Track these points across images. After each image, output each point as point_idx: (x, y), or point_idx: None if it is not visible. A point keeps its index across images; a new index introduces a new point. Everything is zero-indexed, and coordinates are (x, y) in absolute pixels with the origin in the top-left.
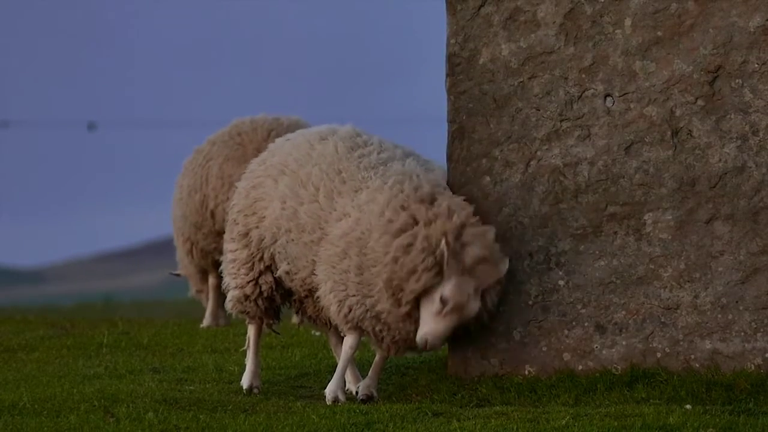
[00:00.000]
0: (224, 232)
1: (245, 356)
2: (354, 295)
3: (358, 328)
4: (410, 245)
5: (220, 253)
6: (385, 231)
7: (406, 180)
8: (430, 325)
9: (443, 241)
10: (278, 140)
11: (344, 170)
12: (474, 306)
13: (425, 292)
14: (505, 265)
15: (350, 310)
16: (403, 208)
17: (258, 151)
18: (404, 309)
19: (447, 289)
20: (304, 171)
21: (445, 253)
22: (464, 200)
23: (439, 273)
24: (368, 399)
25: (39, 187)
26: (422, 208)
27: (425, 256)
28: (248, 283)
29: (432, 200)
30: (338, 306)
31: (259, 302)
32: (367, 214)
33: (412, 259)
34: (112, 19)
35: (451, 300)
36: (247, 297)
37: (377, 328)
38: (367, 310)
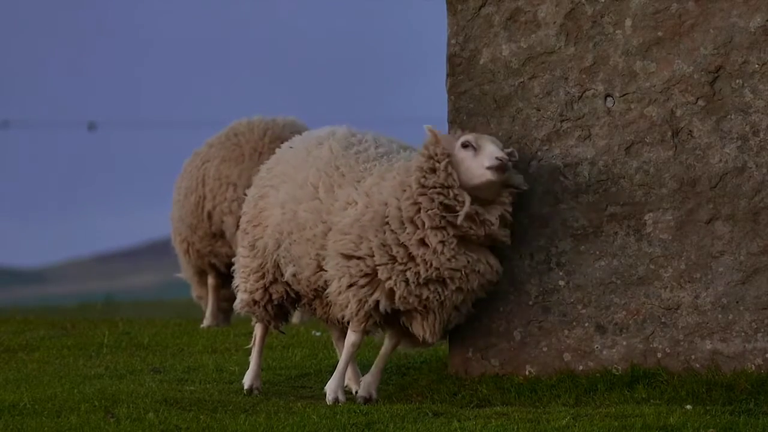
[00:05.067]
0: (220, 234)
1: (250, 354)
2: (389, 278)
3: (378, 324)
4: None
5: (215, 255)
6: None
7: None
8: (480, 158)
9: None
10: (284, 146)
11: (342, 166)
12: (498, 144)
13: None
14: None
15: (378, 303)
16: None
17: (255, 150)
18: (445, 223)
19: (462, 136)
20: (301, 175)
21: (432, 130)
22: None
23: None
24: (367, 400)
25: (40, 187)
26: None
27: (425, 158)
28: (257, 289)
29: None
30: (359, 304)
31: (269, 308)
32: (376, 195)
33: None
34: (113, 19)
35: (470, 134)
36: (256, 302)
37: (425, 296)
38: (410, 284)
